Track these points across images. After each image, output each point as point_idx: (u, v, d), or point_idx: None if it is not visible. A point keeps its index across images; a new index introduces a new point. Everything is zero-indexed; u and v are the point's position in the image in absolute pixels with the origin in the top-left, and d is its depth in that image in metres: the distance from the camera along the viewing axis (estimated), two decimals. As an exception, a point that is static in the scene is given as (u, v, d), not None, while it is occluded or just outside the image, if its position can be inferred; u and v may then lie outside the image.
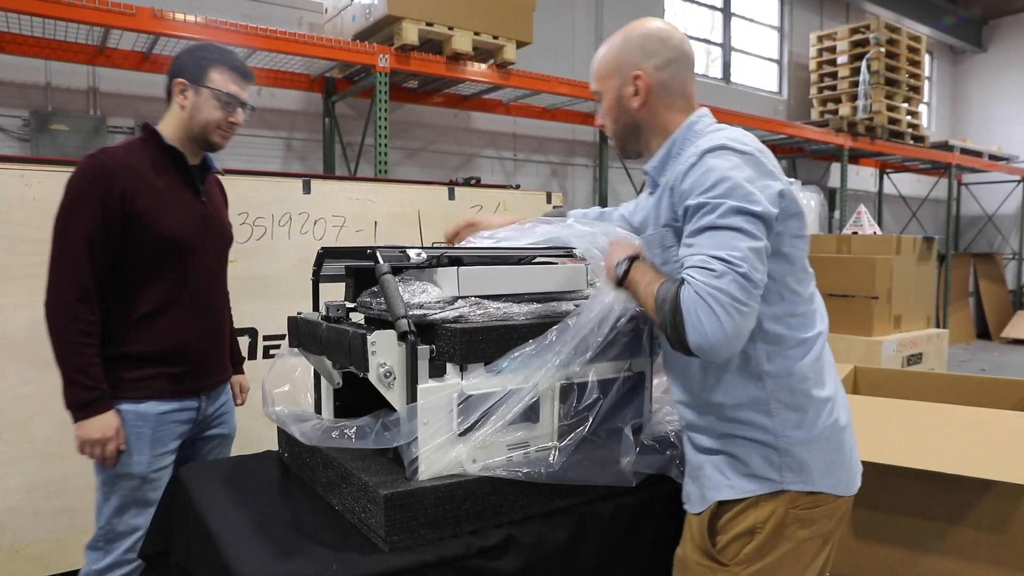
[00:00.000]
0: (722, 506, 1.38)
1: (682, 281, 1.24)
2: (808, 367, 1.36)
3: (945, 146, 9.87)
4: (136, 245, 1.86)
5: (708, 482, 1.40)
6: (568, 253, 1.70)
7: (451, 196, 3.70)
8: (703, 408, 1.41)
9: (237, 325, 2.36)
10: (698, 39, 9.02)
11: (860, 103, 8.45)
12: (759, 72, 9.70)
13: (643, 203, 1.61)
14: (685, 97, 1.47)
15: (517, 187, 4.28)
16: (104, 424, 1.84)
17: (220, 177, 2.20)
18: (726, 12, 9.22)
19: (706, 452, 1.42)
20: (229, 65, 1.96)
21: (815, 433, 1.35)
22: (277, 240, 3.16)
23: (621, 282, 1.39)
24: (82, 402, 1.82)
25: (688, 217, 1.29)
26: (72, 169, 1.87)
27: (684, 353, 1.25)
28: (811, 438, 1.35)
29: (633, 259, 1.39)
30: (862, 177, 10.82)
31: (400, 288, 1.37)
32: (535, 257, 1.72)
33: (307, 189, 3.23)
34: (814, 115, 9.05)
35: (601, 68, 1.52)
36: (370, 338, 1.28)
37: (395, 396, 1.31)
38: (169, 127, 1.97)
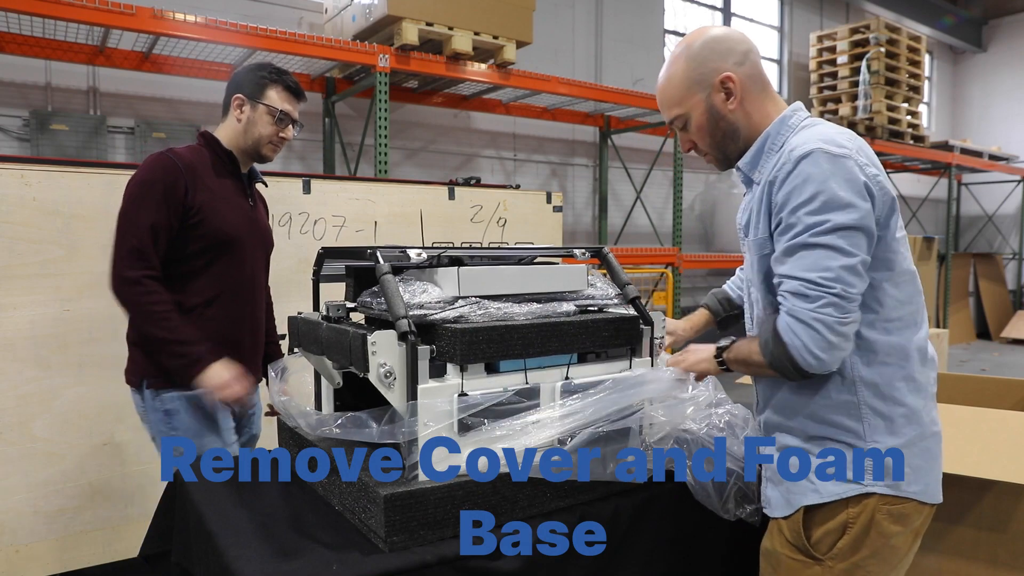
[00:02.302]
0: (809, 508, 1.40)
1: (776, 313, 1.32)
2: (902, 374, 1.38)
3: (945, 146, 9.87)
4: (192, 238, 1.96)
5: (793, 486, 1.42)
6: (568, 254, 1.70)
7: (451, 196, 3.69)
8: (791, 411, 1.44)
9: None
10: (698, 39, 9.02)
11: (860, 103, 8.45)
12: (759, 72, 9.69)
13: (744, 204, 1.59)
14: (766, 85, 1.47)
15: (517, 187, 4.28)
16: (225, 368, 1.91)
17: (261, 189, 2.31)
18: (726, 12, 9.22)
19: (782, 452, 1.45)
20: (285, 85, 2.09)
21: (904, 440, 1.37)
22: (277, 240, 3.13)
23: (723, 364, 1.46)
24: (195, 357, 1.88)
25: (782, 231, 1.32)
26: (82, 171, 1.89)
27: (800, 378, 1.32)
28: (903, 444, 1.37)
29: (721, 349, 1.46)
30: (862, 177, 10.79)
31: (400, 288, 1.37)
32: (535, 257, 1.72)
33: (307, 189, 3.23)
34: (814, 115, 9.03)
35: (676, 92, 1.46)
36: (370, 338, 1.28)
37: (395, 396, 1.31)
38: (224, 136, 2.10)
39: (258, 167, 2.23)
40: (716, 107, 1.43)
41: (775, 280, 1.35)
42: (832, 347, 1.26)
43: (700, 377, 1.56)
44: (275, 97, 2.08)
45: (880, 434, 1.36)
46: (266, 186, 2.33)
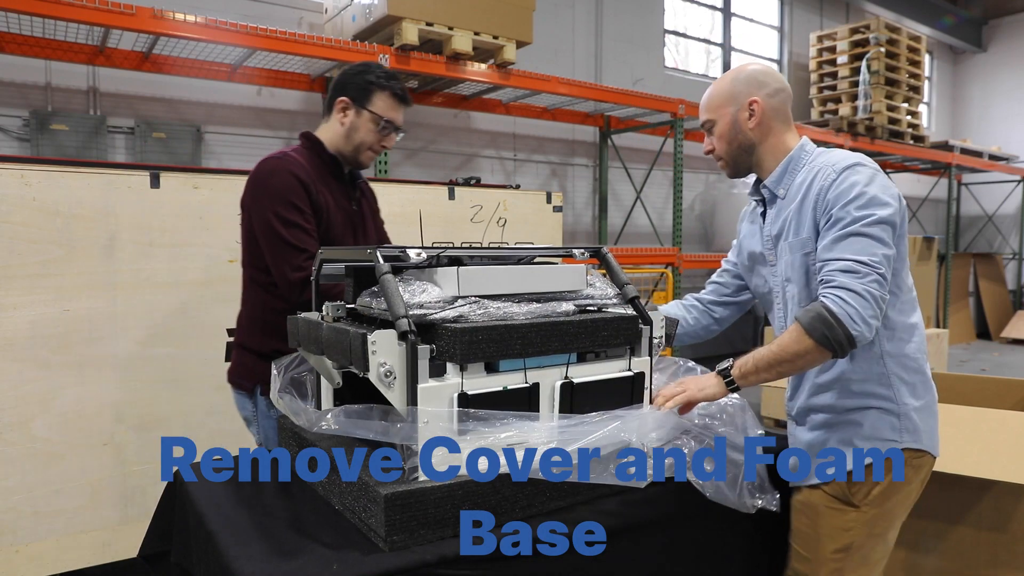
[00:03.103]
0: None
1: (817, 302, 1.50)
2: (916, 346, 1.67)
3: (945, 146, 9.87)
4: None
5: (835, 453, 1.65)
6: (568, 254, 1.71)
7: (451, 196, 3.70)
8: (821, 388, 1.69)
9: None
10: (698, 39, 9.03)
11: (860, 103, 8.45)
12: (759, 72, 9.69)
13: (748, 229, 1.89)
14: (788, 121, 1.77)
15: (517, 187, 4.28)
16: None
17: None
18: (726, 12, 9.22)
19: (824, 428, 1.69)
20: (393, 91, 2.00)
21: (924, 402, 1.67)
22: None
23: (731, 384, 1.58)
24: None
25: (832, 223, 1.56)
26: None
27: (844, 353, 1.49)
28: (922, 406, 1.66)
29: (725, 369, 1.58)
30: (862, 177, 10.80)
31: (400, 288, 1.37)
32: (535, 257, 1.72)
33: (307, 189, 3.23)
34: (814, 115, 9.05)
35: (715, 100, 1.76)
36: (370, 338, 1.28)
37: (395, 396, 1.31)
38: (327, 138, 2.03)
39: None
40: (739, 122, 1.73)
41: (821, 266, 1.56)
42: (875, 317, 1.47)
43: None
44: (381, 104, 2.00)
45: (906, 397, 1.64)
46: (365, 181, 2.26)
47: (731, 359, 1.60)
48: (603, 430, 1.42)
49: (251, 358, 2.00)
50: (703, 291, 2.07)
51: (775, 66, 9.87)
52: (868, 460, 1.62)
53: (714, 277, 2.05)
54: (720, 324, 2.04)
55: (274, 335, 1.91)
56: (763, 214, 1.80)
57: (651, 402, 1.63)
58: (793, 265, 1.68)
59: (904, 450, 1.63)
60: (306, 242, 1.88)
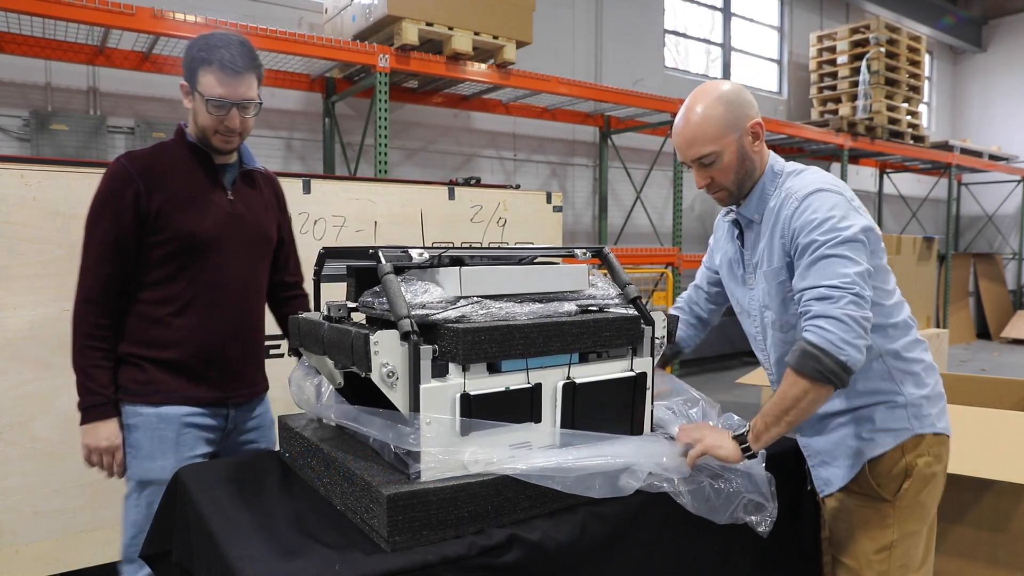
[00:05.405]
0: (871, 461, 1.66)
1: (800, 339, 1.49)
2: (910, 341, 1.70)
3: (945, 146, 9.87)
4: (155, 244, 1.83)
5: (851, 451, 1.68)
6: (569, 254, 1.70)
7: (451, 196, 3.69)
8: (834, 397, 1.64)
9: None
10: (698, 39, 9.03)
11: (860, 103, 8.45)
12: (759, 72, 9.71)
13: (725, 244, 1.88)
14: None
15: (517, 187, 4.28)
16: (109, 431, 1.84)
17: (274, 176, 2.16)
18: (726, 12, 9.22)
19: (836, 431, 1.71)
20: (217, 64, 1.78)
21: (929, 389, 1.70)
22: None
23: (748, 451, 1.54)
24: (85, 405, 1.83)
25: (800, 252, 1.56)
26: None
27: (847, 377, 1.46)
28: (929, 392, 1.69)
29: (741, 436, 1.54)
30: (862, 177, 10.82)
31: (402, 288, 1.37)
32: (536, 257, 1.72)
33: (307, 189, 3.23)
34: (814, 115, 9.05)
35: (713, 130, 1.64)
36: (373, 338, 1.28)
37: (398, 396, 1.31)
38: (190, 127, 1.94)
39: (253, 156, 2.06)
40: (745, 148, 1.67)
41: (797, 296, 1.55)
42: (860, 337, 1.46)
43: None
44: (207, 81, 1.80)
45: (911, 387, 1.68)
46: (266, 172, 2.12)
47: (747, 424, 1.57)
48: (608, 459, 1.42)
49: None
50: (687, 296, 2.07)
51: (774, 66, 9.88)
52: (887, 447, 1.65)
53: (697, 282, 2.05)
54: (711, 322, 2.08)
55: (135, 342, 1.88)
56: (739, 235, 1.79)
57: (651, 401, 1.63)
58: (770, 293, 1.70)
59: (921, 436, 1.65)
60: (91, 267, 1.83)
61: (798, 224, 1.57)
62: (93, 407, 1.83)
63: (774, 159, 1.73)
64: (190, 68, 1.84)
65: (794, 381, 1.49)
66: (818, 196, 1.57)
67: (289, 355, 1.80)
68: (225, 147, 1.90)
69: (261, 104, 1.91)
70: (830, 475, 1.73)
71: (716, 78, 8.97)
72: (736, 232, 1.80)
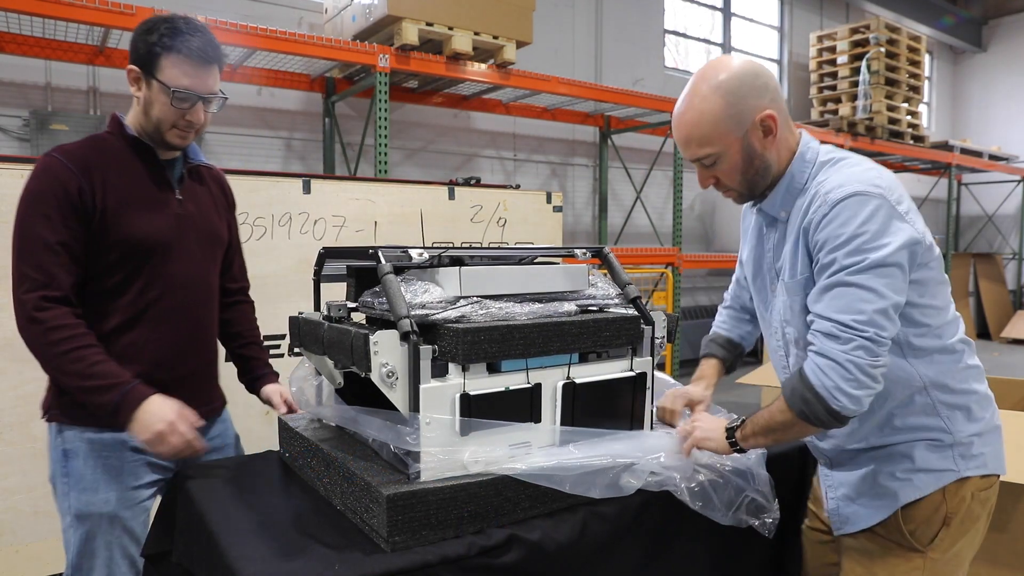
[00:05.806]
0: (906, 504, 1.44)
1: (800, 368, 1.33)
2: (961, 368, 1.46)
3: (945, 146, 9.87)
4: (101, 250, 1.60)
5: (883, 491, 1.46)
6: (569, 254, 1.71)
7: (451, 196, 3.70)
8: (857, 427, 1.46)
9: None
10: (698, 39, 9.03)
11: (860, 103, 8.44)
12: (759, 72, 9.69)
13: (749, 236, 1.65)
14: (788, 117, 1.47)
15: (517, 187, 4.28)
16: (159, 408, 1.54)
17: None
18: (726, 12, 9.22)
19: (866, 467, 1.48)
20: (184, 51, 1.57)
21: (983, 424, 1.47)
22: (277, 240, 3.16)
23: (736, 446, 1.46)
24: (113, 405, 1.52)
25: (820, 270, 1.35)
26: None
27: (839, 424, 1.32)
28: (982, 429, 1.46)
29: (732, 429, 1.46)
30: (862, 177, 10.80)
31: (402, 288, 1.37)
32: (536, 257, 1.72)
33: (307, 189, 3.23)
34: (814, 115, 9.05)
35: (710, 130, 1.40)
36: (372, 338, 1.28)
37: (397, 396, 1.31)
38: (131, 118, 1.68)
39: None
40: (753, 146, 1.42)
41: (810, 320, 1.36)
42: (863, 387, 1.28)
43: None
44: (171, 71, 1.57)
45: (960, 423, 1.44)
46: (210, 168, 1.89)
47: (743, 417, 1.48)
48: (609, 457, 1.41)
49: (50, 382, 1.72)
50: (732, 293, 1.90)
51: (775, 66, 9.87)
52: (926, 491, 1.42)
53: (736, 276, 1.86)
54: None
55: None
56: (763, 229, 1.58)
57: (651, 401, 1.63)
58: (792, 309, 1.46)
59: (966, 479, 1.43)
60: (39, 269, 1.53)
61: (822, 236, 1.33)
62: (126, 397, 1.52)
63: (806, 144, 1.46)
64: (148, 53, 1.58)
65: (784, 408, 1.36)
66: (852, 203, 1.30)
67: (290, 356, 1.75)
68: (180, 143, 1.68)
69: (226, 99, 1.71)
70: (851, 513, 1.51)
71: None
72: (761, 227, 1.57)
